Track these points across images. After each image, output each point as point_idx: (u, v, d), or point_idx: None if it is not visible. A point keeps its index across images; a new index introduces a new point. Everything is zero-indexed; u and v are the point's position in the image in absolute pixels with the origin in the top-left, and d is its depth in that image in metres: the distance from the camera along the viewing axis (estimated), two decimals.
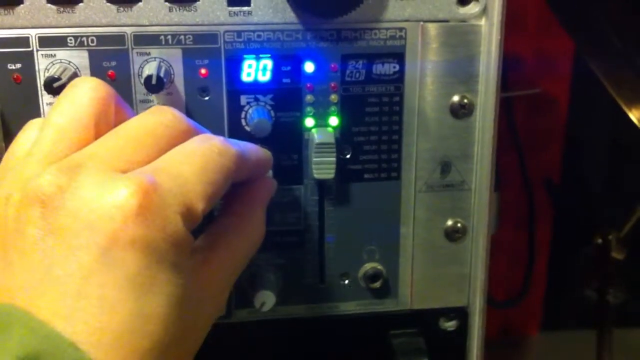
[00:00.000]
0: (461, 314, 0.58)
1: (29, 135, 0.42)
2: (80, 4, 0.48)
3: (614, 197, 1.02)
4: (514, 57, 0.96)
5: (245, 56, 0.51)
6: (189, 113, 0.51)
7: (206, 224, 0.42)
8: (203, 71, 0.50)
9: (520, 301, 0.97)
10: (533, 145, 0.99)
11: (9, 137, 0.48)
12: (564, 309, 1.10)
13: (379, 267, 0.56)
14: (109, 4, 0.48)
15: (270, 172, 0.50)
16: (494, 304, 0.98)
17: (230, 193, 0.44)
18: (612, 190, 1.03)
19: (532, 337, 1.13)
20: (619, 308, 0.91)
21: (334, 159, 0.51)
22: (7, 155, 0.42)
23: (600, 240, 0.89)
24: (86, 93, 0.41)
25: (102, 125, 0.41)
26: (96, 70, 0.49)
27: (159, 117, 0.41)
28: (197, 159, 0.40)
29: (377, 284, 0.56)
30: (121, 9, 0.49)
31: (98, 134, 0.41)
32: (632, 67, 0.77)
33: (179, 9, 0.49)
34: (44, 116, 0.49)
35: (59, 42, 0.49)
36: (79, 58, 0.49)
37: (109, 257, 0.35)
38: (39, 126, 0.42)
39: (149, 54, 0.49)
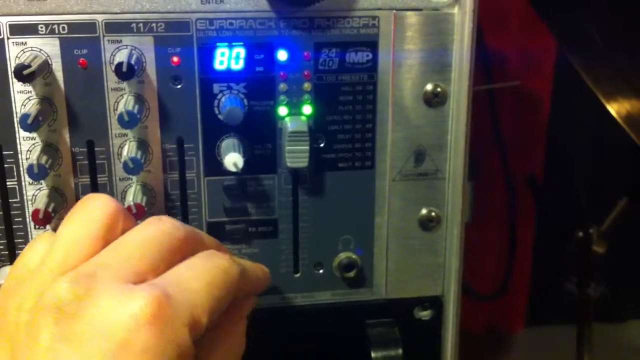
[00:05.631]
0: (436, 303, 0.58)
1: (37, 248, 0.44)
2: None
3: (596, 193, 1.02)
4: (497, 53, 0.96)
5: (217, 44, 0.50)
6: (161, 101, 0.51)
7: None
8: (175, 59, 0.50)
9: (502, 294, 0.97)
10: (516, 142, 0.99)
11: None
12: (549, 304, 1.10)
13: (354, 256, 0.56)
14: None
15: None
16: (477, 296, 0.98)
17: None
18: (595, 186, 1.03)
19: (518, 333, 1.13)
20: (600, 302, 0.91)
21: (307, 147, 0.51)
22: (17, 267, 0.44)
23: (581, 234, 0.89)
24: (97, 209, 0.43)
25: (110, 238, 0.43)
26: (67, 58, 0.49)
27: (159, 225, 0.44)
28: (205, 275, 0.42)
29: (352, 274, 0.56)
30: None
31: (105, 246, 0.43)
32: (612, 62, 0.77)
33: None
34: (14, 103, 0.49)
35: (29, 30, 0.48)
36: (50, 46, 0.49)
37: None
38: (47, 240, 0.44)
39: (120, 41, 0.49)
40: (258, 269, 0.51)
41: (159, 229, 0.44)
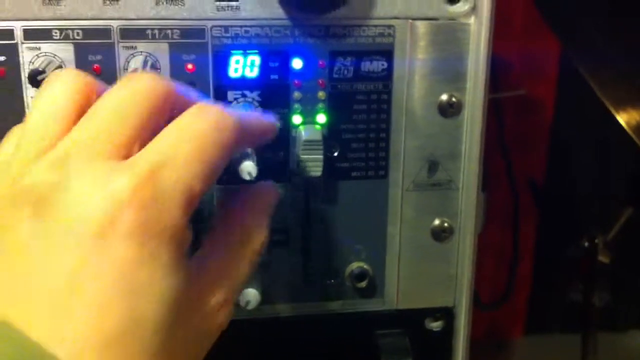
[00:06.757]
0: (447, 314, 0.57)
1: (10, 140, 0.40)
2: None
3: (600, 200, 1.02)
4: (501, 59, 0.96)
5: (232, 52, 0.50)
6: None
7: (204, 231, 0.41)
8: (190, 66, 0.50)
9: (504, 303, 0.97)
10: (520, 147, 0.99)
11: None
12: (549, 311, 1.10)
13: (365, 266, 0.55)
14: None
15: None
16: (480, 306, 0.98)
17: (231, 199, 0.44)
18: (599, 192, 1.03)
19: (517, 340, 1.13)
20: (604, 311, 0.91)
21: (322, 156, 0.51)
22: None
23: (587, 243, 0.88)
24: (62, 86, 0.38)
25: (83, 111, 0.38)
26: (82, 64, 0.49)
27: (134, 84, 0.38)
28: (194, 138, 0.37)
29: (363, 284, 0.55)
30: (107, 2, 0.48)
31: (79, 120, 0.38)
32: (616, 68, 0.77)
33: (166, 3, 0.49)
34: (27, 108, 0.49)
35: (44, 34, 0.48)
36: (64, 51, 0.48)
37: (100, 253, 0.33)
38: (20, 130, 0.39)
39: (135, 47, 0.49)
40: (259, 115, 0.46)
41: (136, 89, 0.38)
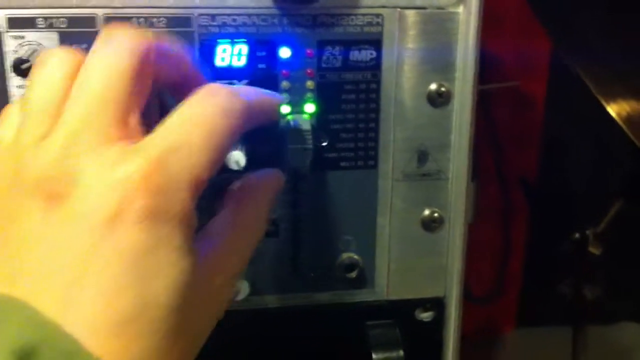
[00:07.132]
0: (437, 304, 0.57)
1: (10, 121, 0.40)
2: None
3: (592, 194, 1.02)
4: (492, 54, 0.96)
5: (219, 40, 0.50)
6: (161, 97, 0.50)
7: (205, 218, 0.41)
8: None
9: (496, 297, 0.97)
10: (510, 143, 0.99)
11: None
12: (541, 305, 1.10)
13: (355, 256, 0.55)
14: None
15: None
16: (472, 299, 0.98)
17: (235, 186, 0.44)
18: (591, 186, 1.03)
19: (508, 334, 1.13)
20: (596, 304, 0.91)
21: (310, 146, 0.51)
22: None
23: (577, 236, 0.88)
24: (57, 65, 0.39)
25: None
26: None
27: (114, 51, 0.38)
28: (202, 126, 0.37)
29: (353, 274, 0.55)
30: None
31: None
32: (611, 67, 0.77)
33: None
34: (11, 97, 0.48)
35: (28, 23, 0.48)
36: (49, 40, 0.48)
37: (112, 239, 0.34)
38: (18, 111, 0.39)
39: None
40: (263, 94, 0.46)
41: (118, 55, 0.37)
